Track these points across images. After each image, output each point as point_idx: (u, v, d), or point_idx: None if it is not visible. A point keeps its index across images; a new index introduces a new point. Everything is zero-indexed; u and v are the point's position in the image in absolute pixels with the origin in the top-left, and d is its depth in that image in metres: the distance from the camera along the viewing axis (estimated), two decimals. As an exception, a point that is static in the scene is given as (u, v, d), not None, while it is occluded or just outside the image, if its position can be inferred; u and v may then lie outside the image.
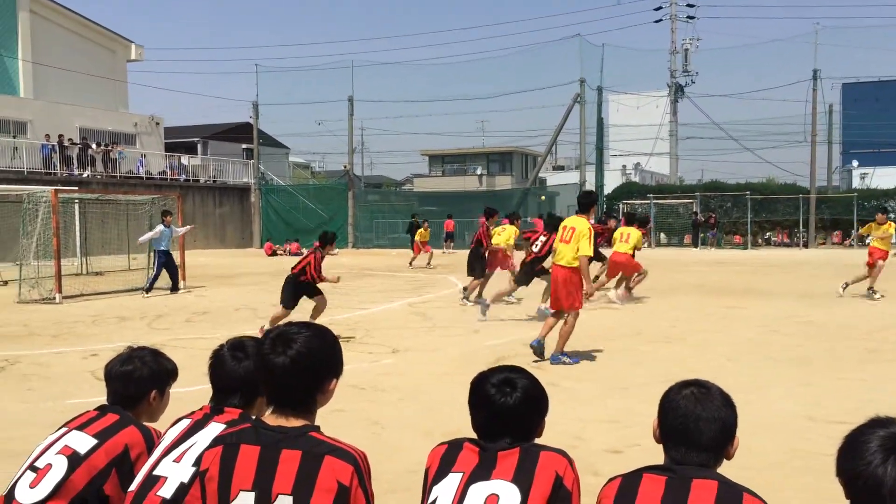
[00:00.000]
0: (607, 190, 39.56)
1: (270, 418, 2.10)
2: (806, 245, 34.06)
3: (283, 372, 2.04)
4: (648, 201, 36.27)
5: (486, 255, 13.25)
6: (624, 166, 55.63)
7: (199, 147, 43.43)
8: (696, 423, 2.04)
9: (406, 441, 5.35)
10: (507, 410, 2.24)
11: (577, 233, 8.01)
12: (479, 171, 52.08)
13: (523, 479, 2.12)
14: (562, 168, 62.09)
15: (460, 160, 53.54)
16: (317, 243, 10.03)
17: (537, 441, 2.28)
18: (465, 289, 13.61)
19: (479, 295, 13.03)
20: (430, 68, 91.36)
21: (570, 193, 38.99)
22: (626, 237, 13.36)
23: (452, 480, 2.20)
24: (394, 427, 5.78)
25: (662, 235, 37.27)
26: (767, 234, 36.67)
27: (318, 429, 2.08)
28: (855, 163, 49.91)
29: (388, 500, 3.88)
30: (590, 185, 38.55)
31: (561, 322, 8.26)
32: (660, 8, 45.74)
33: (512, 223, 13.39)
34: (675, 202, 37.16)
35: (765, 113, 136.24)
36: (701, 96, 70.47)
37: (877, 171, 44.22)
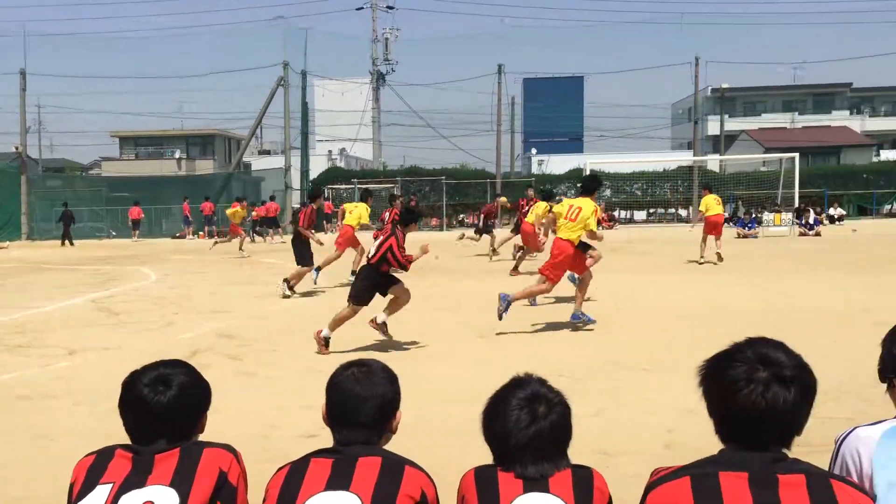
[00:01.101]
0: (313, 175, 39.63)
1: None
2: (493, 226, 37.13)
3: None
4: (353, 186, 36.98)
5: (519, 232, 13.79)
6: (330, 151, 56.05)
7: None
8: (356, 402, 2.03)
9: (81, 454, 4.78)
10: (160, 409, 2.05)
11: (582, 213, 8.56)
12: (177, 155, 49.22)
13: (182, 482, 1.96)
14: (267, 152, 60.92)
15: (156, 142, 50.19)
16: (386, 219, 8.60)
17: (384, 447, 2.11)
18: (286, 280, 12.35)
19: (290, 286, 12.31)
20: (123, 42, 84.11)
21: (275, 178, 38.44)
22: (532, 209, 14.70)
23: (100, 494, 1.97)
24: (66, 439, 5.15)
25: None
26: (461, 216, 39.35)
27: None
28: (534, 150, 55.46)
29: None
30: (295, 170, 38.31)
31: (534, 281, 9.01)
32: (361, -4, 46.65)
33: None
34: (379, 186, 38.34)
35: (459, 103, 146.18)
36: (401, 85, 73.79)
37: (552, 158, 49.59)
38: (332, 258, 13.78)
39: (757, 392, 1.64)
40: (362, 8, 46.67)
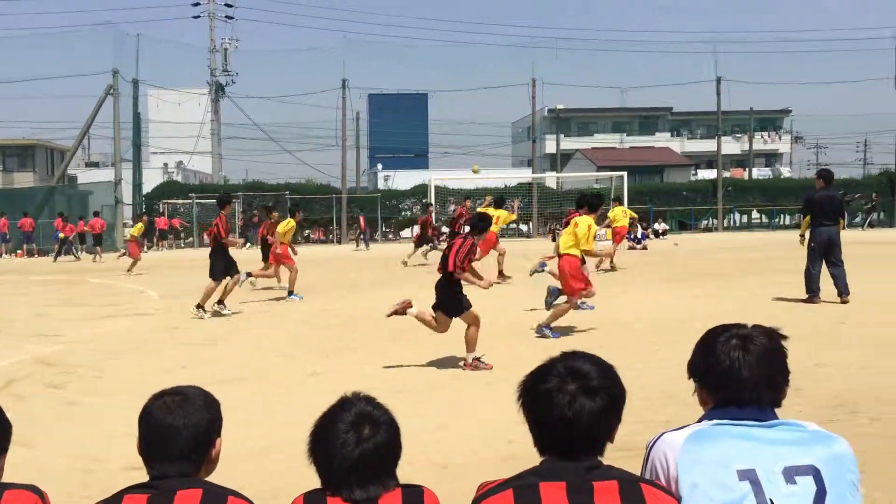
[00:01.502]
0: (147, 188, 37.62)
1: None
2: (339, 241, 36.86)
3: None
4: (191, 201, 35.44)
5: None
6: (166, 164, 53.50)
7: None
8: (168, 433, 1.89)
9: None
10: None
11: (578, 229, 8.96)
12: (-8, 167, 45.10)
13: None
14: (96, 165, 57.27)
15: (-34, 153, 45.76)
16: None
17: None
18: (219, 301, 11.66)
19: (221, 302, 11.56)
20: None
21: (104, 192, 36.10)
22: (497, 219, 15.53)
23: None
24: None
25: (206, 236, 36.82)
26: (307, 231, 38.73)
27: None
28: (380, 166, 55.69)
29: None
30: (127, 184, 36.19)
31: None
32: (197, 4, 44.96)
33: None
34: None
35: (302, 117, 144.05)
36: (242, 97, 71.44)
37: (398, 174, 49.97)
38: (294, 276, 13.49)
39: (563, 403, 1.74)
40: (199, 16, 45.00)
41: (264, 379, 7.25)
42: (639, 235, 28.19)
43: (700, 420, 1.92)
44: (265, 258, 15.10)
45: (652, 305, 11.57)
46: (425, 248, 21.09)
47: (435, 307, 7.42)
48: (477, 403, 6.03)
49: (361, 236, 32.01)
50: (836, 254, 10.86)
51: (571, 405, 1.73)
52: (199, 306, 11.32)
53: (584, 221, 9.15)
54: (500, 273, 15.52)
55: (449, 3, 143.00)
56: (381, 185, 50.23)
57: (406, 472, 4.67)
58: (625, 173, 34.17)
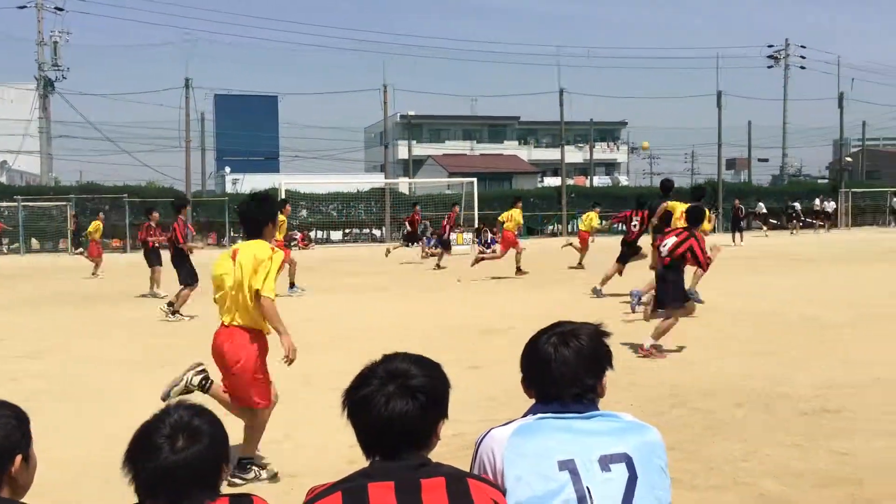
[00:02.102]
0: (-36, 190, 34.34)
1: None
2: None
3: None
4: (17, 203, 32.74)
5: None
6: (-13, 164, 49.10)
7: None
8: None
9: None
10: None
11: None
12: None
13: None
14: None
15: None
16: None
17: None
18: (170, 303, 11.48)
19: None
20: None
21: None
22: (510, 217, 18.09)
23: None
24: None
25: (34, 241, 34.12)
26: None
27: None
28: (227, 169, 53.85)
29: None
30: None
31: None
32: (22, -7, 41.55)
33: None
34: (49, 205, 34.39)
35: (142, 116, 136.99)
36: (74, 93, 66.81)
37: (247, 178, 48.54)
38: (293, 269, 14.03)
39: (381, 404, 1.75)
40: (25, 7, 41.67)
41: (91, 392, 6.79)
42: (488, 240, 28.96)
43: (525, 415, 1.99)
44: (151, 262, 14.53)
45: (509, 306, 11.89)
46: (424, 246, 22.88)
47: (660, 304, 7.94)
48: (322, 410, 5.95)
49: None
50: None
51: (388, 405, 1.75)
52: (175, 311, 11.33)
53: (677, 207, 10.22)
54: (518, 269, 17.31)
55: (298, 4, 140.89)
56: (229, 188, 48.58)
57: (251, 482, 4.52)
58: (475, 180, 35.00)
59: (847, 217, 42.25)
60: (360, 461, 1.85)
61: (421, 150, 57.20)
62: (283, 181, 35.59)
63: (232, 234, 36.48)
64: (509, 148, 63.93)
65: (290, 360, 4.49)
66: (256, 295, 4.33)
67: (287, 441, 5.31)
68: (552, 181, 55.14)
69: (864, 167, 55.00)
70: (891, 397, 6.00)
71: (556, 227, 43.16)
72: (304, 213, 38.14)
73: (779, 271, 16.51)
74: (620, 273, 13.08)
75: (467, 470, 1.90)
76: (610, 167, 68.40)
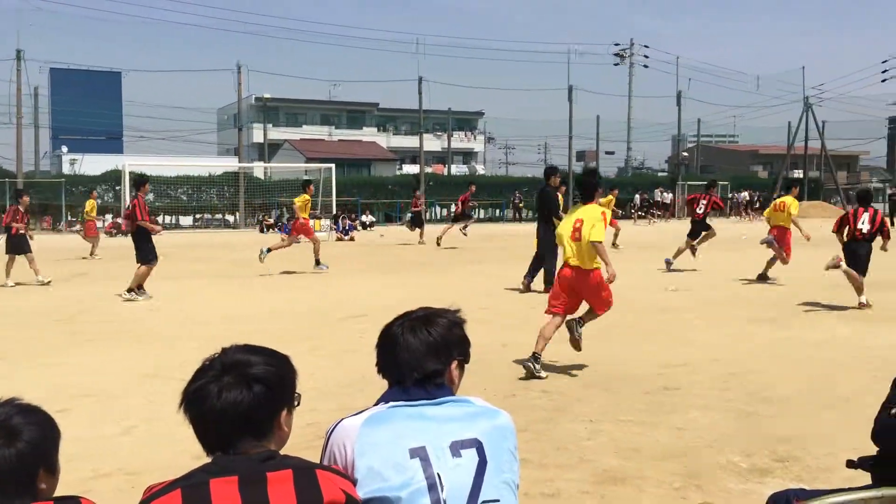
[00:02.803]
0: None
1: None
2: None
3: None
4: None
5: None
6: None
7: None
8: None
9: None
10: None
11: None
12: None
13: None
14: None
15: None
16: None
17: None
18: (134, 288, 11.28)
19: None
20: None
21: None
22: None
23: None
24: None
25: None
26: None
27: None
28: (65, 148, 50.16)
29: None
30: None
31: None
32: None
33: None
34: None
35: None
36: None
37: (86, 158, 45.43)
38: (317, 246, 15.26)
39: (213, 395, 1.69)
40: None
41: None
42: (346, 227, 28.73)
43: (377, 403, 1.97)
44: (9, 250, 13.25)
45: (369, 292, 11.82)
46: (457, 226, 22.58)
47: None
48: (169, 403, 5.67)
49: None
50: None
51: (220, 395, 1.69)
52: (131, 289, 11.19)
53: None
54: (433, 241, 18.97)
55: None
56: (66, 169, 45.30)
57: (89, 479, 4.24)
58: (333, 166, 34.54)
59: (684, 208, 45.26)
60: (206, 457, 1.76)
61: (277, 134, 55.75)
62: (127, 162, 33.52)
63: (70, 217, 34.02)
64: (368, 134, 63.62)
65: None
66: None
67: (126, 436, 5.03)
68: (411, 169, 55.45)
69: (699, 162, 59.13)
70: (724, 375, 6.47)
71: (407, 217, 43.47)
72: (150, 196, 36.19)
73: (624, 258, 17.42)
74: (692, 249, 14.73)
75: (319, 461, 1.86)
76: (468, 156, 69.62)
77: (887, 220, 12.03)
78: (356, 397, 5.48)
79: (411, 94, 44.91)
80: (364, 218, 37.09)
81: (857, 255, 9.70)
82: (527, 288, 11.79)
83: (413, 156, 57.38)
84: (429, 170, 51.77)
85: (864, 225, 9.79)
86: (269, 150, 48.67)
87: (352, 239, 27.39)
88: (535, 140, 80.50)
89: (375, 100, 66.07)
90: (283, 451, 1.80)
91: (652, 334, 8.41)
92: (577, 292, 6.66)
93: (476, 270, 15.25)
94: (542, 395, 5.93)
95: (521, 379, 6.42)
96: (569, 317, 6.75)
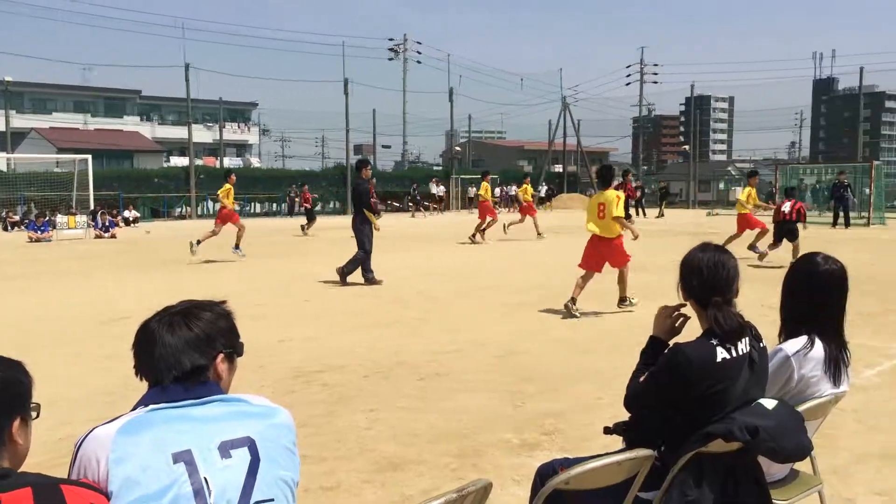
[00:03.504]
0: None
1: None
2: None
3: None
4: None
5: None
6: None
7: None
8: None
9: None
10: None
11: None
12: None
13: None
14: None
15: None
16: None
17: None
18: None
19: None
20: None
21: None
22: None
23: None
24: None
25: None
26: None
27: None
28: None
29: None
30: None
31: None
32: None
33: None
34: None
35: None
36: None
37: None
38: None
39: None
40: None
41: None
42: (106, 223, 26.58)
43: (135, 407, 1.81)
44: None
45: (115, 294, 10.97)
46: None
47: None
48: None
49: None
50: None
51: None
52: None
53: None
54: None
55: None
56: None
57: None
58: (89, 157, 31.72)
59: (457, 201, 47.11)
60: None
61: (22, 121, 50.23)
62: None
63: None
64: (129, 124, 59.26)
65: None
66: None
67: None
68: (179, 161, 52.56)
69: (471, 156, 61.91)
70: (489, 359, 6.81)
71: (184, 210, 41.19)
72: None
73: (395, 249, 17.75)
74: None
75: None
76: (241, 148, 67.35)
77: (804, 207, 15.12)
78: (118, 406, 5.06)
79: (178, 81, 42.50)
80: (127, 213, 34.53)
81: (789, 230, 13.58)
82: (370, 282, 11.67)
83: (181, 147, 54.39)
84: (199, 162, 49.35)
85: (787, 209, 13.67)
86: (12, 140, 43.70)
87: (113, 236, 25.38)
88: (312, 133, 79.89)
89: (137, 87, 61.79)
90: (22, 469, 1.61)
91: (421, 321, 8.66)
92: (603, 255, 9.06)
93: (252, 264, 14.79)
94: (322, 390, 5.87)
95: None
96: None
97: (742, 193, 15.63)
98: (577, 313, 8.72)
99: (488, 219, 19.93)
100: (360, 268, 11.69)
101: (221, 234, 16.39)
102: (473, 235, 19.76)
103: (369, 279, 11.69)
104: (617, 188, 10.24)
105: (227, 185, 16.32)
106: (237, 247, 16.05)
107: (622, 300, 9.21)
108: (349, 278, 11.67)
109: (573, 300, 8.81)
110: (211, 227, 16.41)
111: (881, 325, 8.10)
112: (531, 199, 22.32)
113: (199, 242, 15.65)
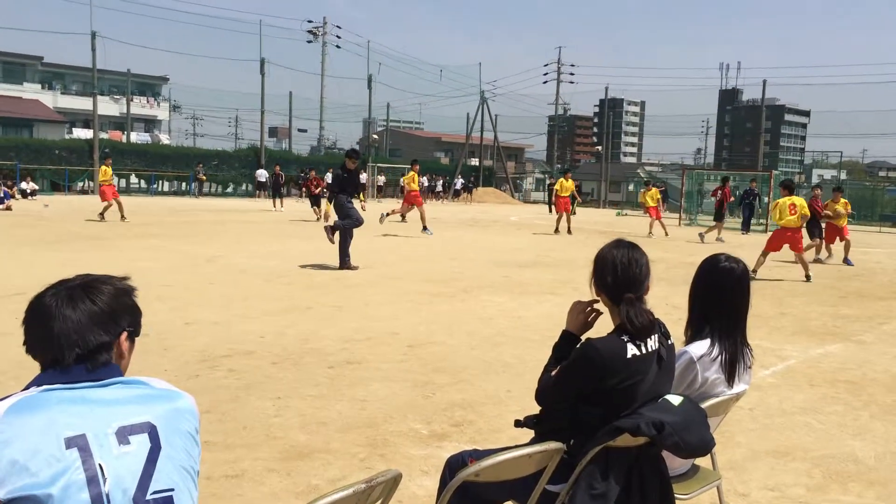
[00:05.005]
0: None
1: None
2: None
3: None
4: None
5: None
6: None
7: None
8: None
9: None
10: None
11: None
12: None
13: None
14: None
15: None
16: None
17: None
18: None
19: None
20: None
21: None
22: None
23: None
24: None
25: None
26: None
27: None
28: None
29: None
30: None
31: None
32: None
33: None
34: None
35: None
36: None
37: None
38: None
39: None
40: None
41: None
42: (2, 194, 25.13)
43: (27, 387, 1.68)
44: None
45: (8, 268, 10.38)
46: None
47: None
48: None
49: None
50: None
51: None
52: None
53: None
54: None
55: None
56: None
57: None
58: (-15, 124, 29.99)
59: (373, 189, 46.80)
60: None
61: None
62: None
63: None
64: (30, 91, 56.04)
65: None
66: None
67: None
68: (82, 133, 50.18)
69: (388, 144, 61.57)
70: (401, 348, 6.78)
71: (86, 184, 39.38)
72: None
73: (313, 236, 17.50)
74: (818, 249, 16.27)
75: None
76: (150, 124, 64.81)
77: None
78: (8, 387, 4.79)
79: (83, 50, 40.46)
80: (24, 185, 32.76)
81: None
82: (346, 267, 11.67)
83: (86, 119, 51.99)
84: (105, 135, 47.25)
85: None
86: None
87: (8, 208, 24.02)
88: (226, 112, 77.74)
89: (39, 52, 58.52)
90: None
91: (334, 308, 8.56)
92: (787, 241, 12.67)
93: (157, 245, 14.27)
94: (228, 375, 5.71)
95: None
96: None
97: (838, 205, 15.93)
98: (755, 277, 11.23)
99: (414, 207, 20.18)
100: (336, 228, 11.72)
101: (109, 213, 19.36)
102: (396, 213, 20.68)
103: (345, 262, 11.71)
104: (716, 191, 14.28)
105: (104, 167, 19.94)
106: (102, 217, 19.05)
107: (808, 276, 12.50)
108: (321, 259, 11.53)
109: (754, 271, 11.83)
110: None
111: (774, 327, 8.50)
112: (417, 189, 20.59)
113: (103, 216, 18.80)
